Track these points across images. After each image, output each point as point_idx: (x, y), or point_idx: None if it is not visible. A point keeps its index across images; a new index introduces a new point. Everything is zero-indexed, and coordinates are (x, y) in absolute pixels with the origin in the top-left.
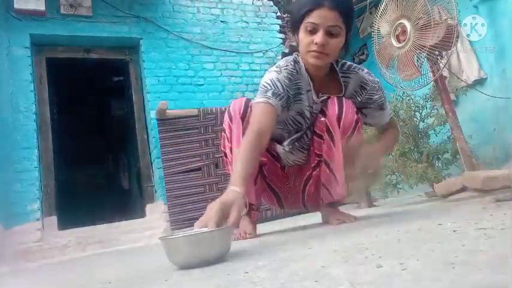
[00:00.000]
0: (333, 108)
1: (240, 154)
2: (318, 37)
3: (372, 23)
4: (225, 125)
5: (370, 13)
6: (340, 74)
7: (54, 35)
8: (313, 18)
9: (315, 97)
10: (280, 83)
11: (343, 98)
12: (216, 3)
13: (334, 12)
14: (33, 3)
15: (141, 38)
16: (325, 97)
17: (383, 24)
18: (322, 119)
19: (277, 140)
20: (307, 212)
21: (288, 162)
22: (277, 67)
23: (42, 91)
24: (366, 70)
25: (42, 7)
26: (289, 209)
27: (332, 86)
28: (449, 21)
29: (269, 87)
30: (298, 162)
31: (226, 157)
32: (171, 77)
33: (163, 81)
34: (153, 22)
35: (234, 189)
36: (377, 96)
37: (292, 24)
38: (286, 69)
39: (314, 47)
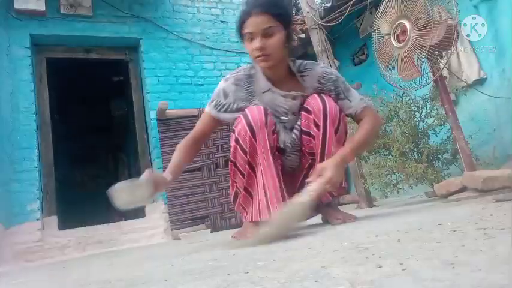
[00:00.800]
0: (315, 102)
1: (175, 152)
2: (255, 43)
3: (372, 23)
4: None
5: (370, 13)
6: (297, 74)
7: (54, 35)
8: (248, 28)
9: (280, 94)
10: (224, 92)
11: (321, 93)
12: (216, 3)
13: (263, 15)
14: (33, 3)
15: (141, 38)
16: (297, 94)
17: (383, 24)
18: (308, 115)
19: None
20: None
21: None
22: (230, 74)
23: (42, 91)
24: (321, 64)
25: (42, 7)
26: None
27: (293, 85)
28: (449, 21)
29: (214, 97)
30: (292, 167)
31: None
32: (171, 77)
33: (163, 81)
34: (153, 22)
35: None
36: (333, 87)
37: (240, 38)
38: (236, 75)
39: (256, 53)
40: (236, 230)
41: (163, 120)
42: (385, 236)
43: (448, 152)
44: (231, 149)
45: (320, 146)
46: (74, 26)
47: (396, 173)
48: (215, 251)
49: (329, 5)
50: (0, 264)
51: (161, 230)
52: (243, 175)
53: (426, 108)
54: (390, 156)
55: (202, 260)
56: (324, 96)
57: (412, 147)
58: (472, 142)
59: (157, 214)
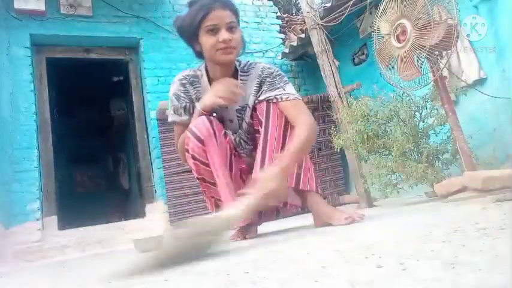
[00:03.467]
0: (260, 110)
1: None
2: (223, 34)
3: (372, 23)
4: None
5: (370, 13)
6: (240, 73)
7: (54, 35)
8: (211, 20)
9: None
10: (176, 95)
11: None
12: None
13: (226, 10)
14: (33, 3)
15: (141, 38)
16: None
17: (383, 24)
18: (256, 113)
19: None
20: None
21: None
22: (176, 77)
23: (42, 91)
24: (265, 63)
25: (42, 7)
26: (266, 219)
27: None
28: (449, 21)
29: (171, 104)
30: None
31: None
32: (171, 77)
33: (163, 81)
34: (153, 22)
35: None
36: (270, 78)
37: (188, 36)
38: (179, 77)
39: (221, 45)
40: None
41: (163, 120)
42: (385, 236)
43: (448, 152)
44: (193, 168)
45: (266, 137)
46: (74, 26)
47: (396, 173)
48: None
49: (329, 5)
50: (0, 264)
51: (161, 230)
52: (214, 185)
53: (426, 108)
54: (390, 157)
55: (202, 260)
56: (264, 103)
57: (412, 147)
58: (472, 142)
59: (157, 214)
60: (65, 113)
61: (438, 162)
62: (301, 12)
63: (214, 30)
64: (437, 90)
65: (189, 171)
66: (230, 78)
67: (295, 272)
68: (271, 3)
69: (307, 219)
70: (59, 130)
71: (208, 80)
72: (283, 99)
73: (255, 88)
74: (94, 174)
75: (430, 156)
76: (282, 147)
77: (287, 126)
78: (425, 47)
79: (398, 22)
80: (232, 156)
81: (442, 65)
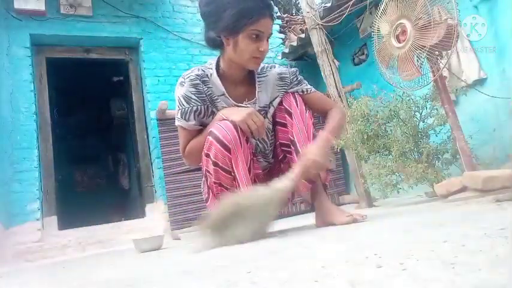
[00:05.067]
0: (287, 100)
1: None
2: (264, 45)
3: (372, 23)
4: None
5: (370, 13)
6: (258, 75)
7: (54, 35)
8: (259, 26)
9: (231, 104)
10: (186, 97)
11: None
12: None
13: (272, 21)
14: (33, 3)
15: (141, 38)
16: (248, 106)
17: (383, 24)
18: (280, 106)
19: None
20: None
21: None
22: (182, 77)
23: (42, 91)
24: (278, 64)
25: (42, 7)
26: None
27: (246, 90)
28: (449, 21)
29: (178, 107)
30: (268, 163)
31: None
32: (171, 77)
33: (163, 81)
34: (153, 22)
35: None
36: (292, 79)
37: (223, 28)
38: (189, 77)
39: (258, 54)
40: None
41: (163, 120)
42: (385, 236)
43: (448, 152)
44: (211, 173)
45: (297, 129)
46: (74, 26)
47: (396, 173)
48: (215, 251)
49: (329, 5)
50: (0, 264)
51: (161, 230)
52: (229, 190)
53: (426, 108)
54: (390, 156)
55: (202, 260)
56: (292, 94)
57: (412, 147)
58: (472, 142)
59: (157, 214)
60: (65, 113)
61: (438, 162)
62: (301, 12)
63: (257, 37)
64: (437, 90)
65: (189, 171)
66: (250, 101)
67: (295, 272)
68: None
69: (307, 219)
70: (59, 130)
71: (219, 78)
72: (310, 92)
73: (278, 89)
74: (94, 174)
75: (430, 156)
76: (310, 136)
77: (312, 115)
78: (425, 47)
79: (398, 22)
80: (251, 162)
81: (442, 65)
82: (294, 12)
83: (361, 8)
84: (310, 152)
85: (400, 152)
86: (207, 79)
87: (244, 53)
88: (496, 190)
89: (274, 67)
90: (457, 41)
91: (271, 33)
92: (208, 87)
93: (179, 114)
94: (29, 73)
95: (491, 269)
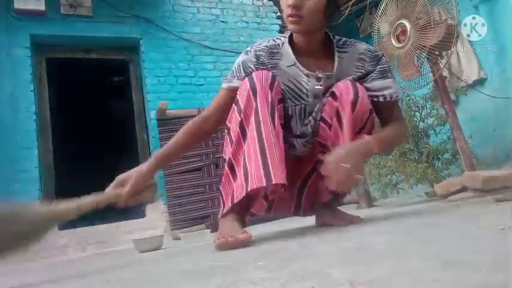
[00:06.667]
0: (346, 90)
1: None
2: None
3: (372, 23)
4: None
5: (370, 13)
6: (336, 49)
7: (54, 35)
8: None
9: (303, 72)
10: (244, 64)
11: (357, 83)
12: (216, 3)
13: None
14: (33, 3)
15: (141, 38)
16: (322, 76)
17: (383, 24)
18: (333, 102)
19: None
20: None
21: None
22: (251, 47)
23: (42, 91)
24: (364, 43)
25: (42, 7)
26: (275, 213)
27: (323, 63)
28: (449, 21)
29: (233, 72)
30: (298, 155)
31: None
32: (171, 77)
33: (163, 81)
34: (153, 22)
35: (140, 166)
36: (375, 67)
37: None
38: (256, 47)
39: (289, 11)
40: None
41: (163, 120)
42: (385, 236)
43: (448, 152)
44: (229, 113)
45: (334, 139)
46: (74, 26)
47: (396, 173)
48: (215, 251)
49: None
50: (0, 264)
51: (161, 230)
52: (231, 142)
53: (426, 108)
54: (390, 157)
55: (202, 260)
56: (358, 87)
57: (412, 147)
58: (472, 142)
59: (157, 214)
60: (65, 113)
61: (438, 162)
62: None
63: None
64: (437, 90)
65: (189, 171)
66: (325, 62)
67: (295, 272)
68: (271, 3)
69: (307, 219)
70: (59, 130)
71: (292, 48)
72: (390, 99)
73: (356, 70)
74: (94, 174)
75: (430, 156)
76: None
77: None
78: (425, 47)
79: (398, 22)
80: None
81: (442, 65)
82: None
83: (361, 8)
84: (338, 155)
85: (400, 152)
86: (276, 50)
87: (284, 14)
88: (496, 190)
89: (359, 43)
90: (457, 41)
91: None
92: (276, 59)
93: (229, 76)
94: (29, 73)
95: (491, 269)
